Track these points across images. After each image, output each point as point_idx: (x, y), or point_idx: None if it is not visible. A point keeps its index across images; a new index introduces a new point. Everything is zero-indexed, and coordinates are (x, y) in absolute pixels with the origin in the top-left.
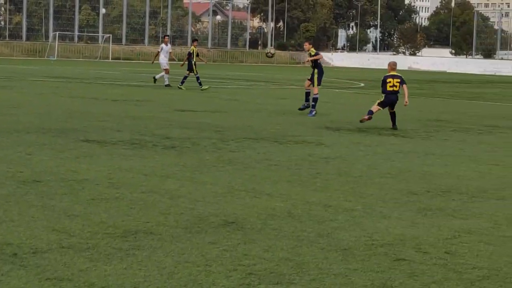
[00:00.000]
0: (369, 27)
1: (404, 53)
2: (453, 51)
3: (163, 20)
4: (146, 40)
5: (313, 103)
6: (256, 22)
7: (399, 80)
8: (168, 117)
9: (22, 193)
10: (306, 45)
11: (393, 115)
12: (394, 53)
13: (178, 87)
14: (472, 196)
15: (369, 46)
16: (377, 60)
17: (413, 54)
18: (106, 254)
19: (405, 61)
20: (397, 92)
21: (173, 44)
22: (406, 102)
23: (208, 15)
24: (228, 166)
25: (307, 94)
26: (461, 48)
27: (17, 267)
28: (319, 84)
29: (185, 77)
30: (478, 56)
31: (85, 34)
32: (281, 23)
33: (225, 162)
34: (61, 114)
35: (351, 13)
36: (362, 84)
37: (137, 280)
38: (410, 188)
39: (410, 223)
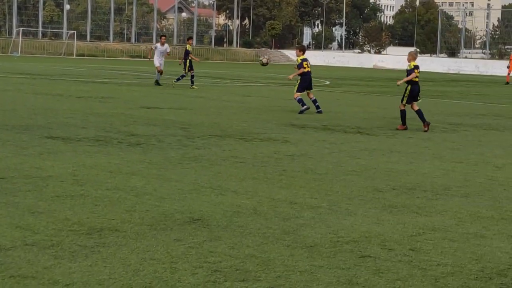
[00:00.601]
0: (335, 25)
1: (369, 51)
2: (418, 50)
3: (128, 17)
4: (111, 37)
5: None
6: (221, 19)
7: (419, 70)
8: (133, 114)
9: None
10: (297, 52)
11: (420, 114)
12: (359, 51)
13: (190, 87)
14: (436, 193)
15: (335, 44)
16: (342, 58)
17: (378, 52)
18: (70, 251)
19: (370, 60)
20: (418, 82)
21: (138, 41)
22: (399, 82)
23: (174, 12)
24: (193, 163)
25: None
26: (426, 47)
27: None
28: (298, 91)
29: (182, 76)
30: (442, 55)
31: (49, 30)
32: (246, 21)
33: (191, 159)
34: (25, 110)
35: (316, 11)
36: (328, 82)
37: (102, 277)
38: (375, 186)
39: (376, 220)
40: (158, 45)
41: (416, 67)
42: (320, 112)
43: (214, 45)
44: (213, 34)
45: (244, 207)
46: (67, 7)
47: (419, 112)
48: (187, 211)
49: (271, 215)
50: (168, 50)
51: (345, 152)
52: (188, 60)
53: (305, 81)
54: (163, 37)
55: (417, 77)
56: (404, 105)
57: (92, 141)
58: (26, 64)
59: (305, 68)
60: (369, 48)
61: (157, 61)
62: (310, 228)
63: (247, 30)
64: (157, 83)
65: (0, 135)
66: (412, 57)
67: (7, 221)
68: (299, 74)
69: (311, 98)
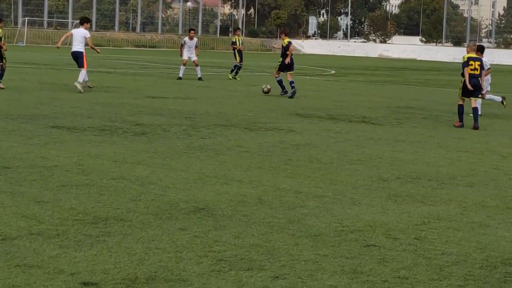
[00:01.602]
0: (340, 14)
1: (374, 40)
2: (423, 39)
3: (134, 7)
4: (116, 27)
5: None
6: (227, 8)
7: (480, 63)
8: (138, 104)
9: None
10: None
11: (475, 111)
12: (365, 40)
13: (233, 77)
14: (441, 182)
15: (340, 33)
16: (348, 48)
17: (384, 41)
18: (76, 240)
19: (375, 49)
20: (478, 75)
21: (143, 30)
22: (483, 94)
23: (179, 2)
24: (199, 153)
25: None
26: (431, 36)
27: None
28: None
29: (238, 68)
30: (448, 44)
31: (55, 20)
32: (252, 10)
33: (196, 148)
34: (30, 100)
35: (321, 0)
36: (333, 71)
37: (107, 266)
38: (380, 175)
39: (380, 209)
40: (187, 39)
41: (472, 58)
42: (284, 94)
43: (220, 34)
44: (218, 23)
45: (249, 197)
46: None
47: (474, 110)
48: (192, 201)
49: (276, 205)
50: (197, 45)
51: (350, 142)
52: (236, 51)
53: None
54: (191, 31)
55: (476, 69)
56: (463, 100)
57: (98, 131)
58: (31, 54)
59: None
60: (375, 38)
61: (186, 54)
62: (315, 217)
63: (252, 19)
64: (179, 78)
65: (5, 124)
66: (470, 48)
67: (12, 211)
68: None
69: (288, 80)
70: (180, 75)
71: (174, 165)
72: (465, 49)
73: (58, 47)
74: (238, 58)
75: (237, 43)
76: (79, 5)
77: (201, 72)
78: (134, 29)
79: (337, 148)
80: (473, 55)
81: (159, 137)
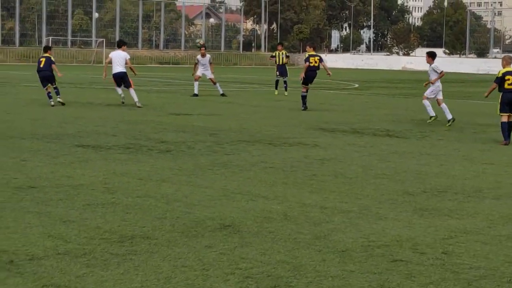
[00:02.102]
0: (362, 27)
1: (397, 53)
2: (447, 51)
3: (156, 24)
4: (140, 44)
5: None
6: (249, 24)
7: None
8: (162, 121)
9: (17, 200)
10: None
11: (510, 126)
12: (388, 53)
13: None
14: (467, 195)
15: (363, 46)
16: (371, 61)
17: (407, 54)
18: (102, 259)
19: (398, 62)
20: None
21: (166, 47)
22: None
23: (202, 18)
24: (223, 169)
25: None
26: (455, 47)
27: (14, 275)
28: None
29: (276, 81)
30: (471, 55)
31: (78, 38)
32: (274, 25)
33: (221, 165)
34: (55, 119)
35: (344, 14)
36: (356, 85)
37: (134, 285)
38: (406, 189)
39: (407, 224)
40: (199, 57)
41: (509, 73)
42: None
43: (242, 50)
44: (241, 39)
45: (274, 213)
46: (95, 15)
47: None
48: (217, 218)
49: (302, 220)
50: (211, 61)
51: (375, 155)
52: (284, 65)
53: (306, 75)
54: (202, 49)
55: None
56: (507, 116)
57: (122, 149)
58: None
59: (311, 62)
60: (398, 50)
61: (200, 71)
62: (341, 232)
63: (275, 34)
64: (195, 95)
65: (31, 144)
66: (506, 62)
67: (39, 230)
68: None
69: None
70: (196, 91)
71: (199, 182)
72: (489, 60)
73: (104, 78)
74: (277, 72)
75: (276, 58)
76: (103, 23)
77: (224, 88)
78: (157, 46)
79: (362, 162)
80: (510, 69)
81: (183, 154)
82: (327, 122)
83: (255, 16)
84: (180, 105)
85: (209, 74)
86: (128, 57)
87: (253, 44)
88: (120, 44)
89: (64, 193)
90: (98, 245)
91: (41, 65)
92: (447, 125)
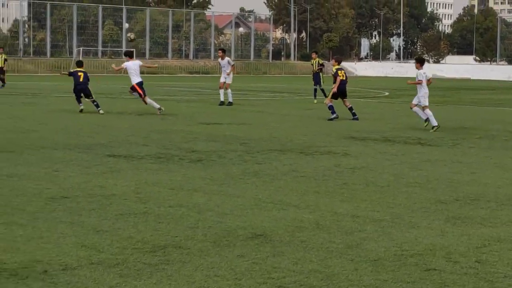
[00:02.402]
0: (392, 35)
1: (428, 61)
2: (477, 58)
3: (186, 34)
4: (170, 54)
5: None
6: (278, 33)
7: None
8: (193, 130)
9: (50, 210)
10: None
11: None
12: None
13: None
14: (501, 203)
15: (393, 54)
16: (401, 69)
17: (437, 62)
18: (135, 269)
19: (429, 69)
20: None
21: (196, 57)
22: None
23: (231, 27)
24: (254, 178)
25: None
26: (485, 54)
27: (47, 284)
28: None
29: (314, 90)
30: (502, 63)
31: (109, 49)
32: (303, 34)
33: (252, 174)
34: (86, 129)
35: (373, 22)
36: (387, 93)
37: None
38: (438, 197)
39: (440, 232)
40: (219, 60)
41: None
42: (356, 119)
43: (272, 59)
44: (271, 48)
45: (306, 222)
46: (126, 25)
47: None
48: (249, 227)
49: (334, 229)
50: (232, 63)
51: (406, 164)
52: (318, 74)
53: (339, 89)
54: (219, 51)
55: None
56: None
57: (154, 159)
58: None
59: (341, 76)
60: (428, 58)
61: (222, 77)
62: (373, 241)
63: (304, 43)
64: (221, 103)
65: (63, 155)
66: None
67: (72, 240)
68: (334, 82)
69: (347, 106)
70: (222, 99)
71: (231, 191)
72: None
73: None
74: (313, 81)
75: (313, 66)
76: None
77: (253, 98)
78: (187, 56)
79: (393, 170)
80: None
81: (214, 164)
82: (357, 130)
83: (284, 25)
84: (210, 114)
85: (227, 79)
86: (140, 63)
87: (282, 53)
88: (132, 55)
89: (97, 203)
90: (130, 255)
91: (81, 79)
92: (425, 125)
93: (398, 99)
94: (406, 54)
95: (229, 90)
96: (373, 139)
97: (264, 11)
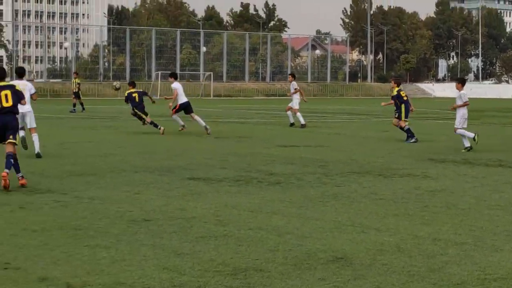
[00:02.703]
0: (470, 56)
1: (507, 81)
2: None
3: (263, 57)
4: (247, 77)
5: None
6: (355, 55)
7: None
8: (271, 153)
9: (132, 232)
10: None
11: None
12: (496, 81)
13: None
14: None
15: (471, 75)
16: (479, 90)
17: None
18: None
19: (508, 90)
20: None
21: (272, 80)
22: None
23: (307, 50)
24: (333, 201)
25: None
26: None
27: None
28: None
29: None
30: None
31: (187, 72)
32: (380, 55)
33: (331, 197)
34: (165, 152)
35: (451, 43)
36: None
37: None
38: None
39: None
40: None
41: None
42: (414, 141)
43: (349, 81)
44: (347, 70)
45: (387, 245)
46: (203, 49)
47: None
48: (329, 250)
49: (415, 253)
50: (295, 87)
51: (488, 186)
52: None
53: (407, 109)
54: (289, 76)
55: None
56: None
57: (233, 181)
58: (164, 106)
59: (404, 97)
60: (507, 78)
61: (294, 100)
62: (456, 265)
63: (381, 64)
64: (302, 126)
65: (144, 177)
66: None
67: (154, 263)
68: (401, 103)
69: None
70: (302, 122)
71: (310, 214)
72: None
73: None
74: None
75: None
76: (210, 57)
77: (330, 120)
78: (263, 79)
79: (474, 193)
80: None
81: (293, 186)
82: (436, 152)
83: (361, 47)
84: (287, 137)
85: (294, 103)
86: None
87: (359, 75)
88: (176, 76)
89: (177, 226)
90: (212, 277)
91: (136, 100)
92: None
93: (478, 121)
94: (485, 74)
95: (289, 112)
96: (452, 161)
97: (340, 33)
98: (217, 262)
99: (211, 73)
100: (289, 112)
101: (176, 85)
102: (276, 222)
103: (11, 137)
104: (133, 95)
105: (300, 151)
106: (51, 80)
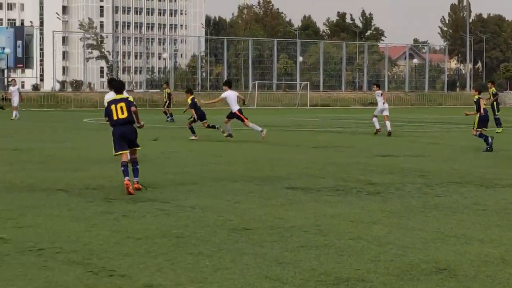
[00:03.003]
0: None
1: None
2: None
3: (360, 66)
4: (343, 86)
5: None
6: (453, 63)
7: None
8: (369, 163)
9: (233, 241)
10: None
11: None
12: None
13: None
14: None
15: None
16: None
17: None
18: None
19: None
20: None
21: (369, 89)
22: None
23: (405, 59)
24: (435, 212)
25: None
26: None
27: None
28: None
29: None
30: None
31: (283, 82)
32: (479, 64)
33: (432, 207)
34: (264, 161)
35: None
36: None
37: None
38: None
39: None
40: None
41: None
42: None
43: (447, 90)
44: (445, 78)
45: (491, 256)
46: (300, 59)
47: None
48: (432, 261)
49: None
50: (380, 95)
51: None
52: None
53: (484, 118)
54: (374, 86)
55: None
56: None
57: (332, 191)
58: (262, 116)
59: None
60: None
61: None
62: None
63: (480, 73)
64: (389, 134)
65: (244, 187)
66: None
67: (256, 272)
68: (477, 111)
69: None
70: (389, 128)
71: (411, 224)
72: None
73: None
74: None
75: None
76: (306, 66)
77: (430, 129)
78: (360, 88)
79: None
80: None
81: (393, 196)
82: None
83: (459, 55)
84: (385, 146)
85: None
86: (237, 93)
87: (457, 84)
88: (231, 84)
89: (278, 235)
90: (314, 287)
91: (198, 104)
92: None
93: None
94: None
95: (374, 118)
96: None
97: (438, 42)
98: (319, 271)
99: (308, 82)
100: (387, 122)
101: (227, 94)
102: (377, 232)
103: (132, 145)
104: (195, 100)
105: (399, 161)
106: (150, 90)
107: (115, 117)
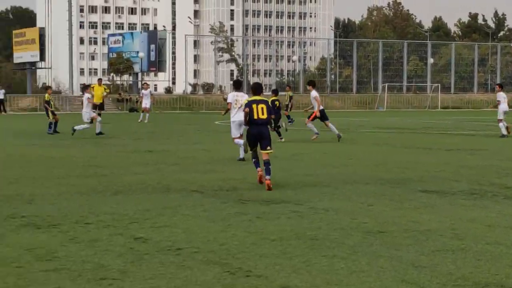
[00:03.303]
0: None
1: None
2: None
3: (492, 67)
4: (475, 88)
5: None
6: None
7: None
8: (504, 166)
9: (368, 244)
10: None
11: None
12: None
13: None
14: None
15: None
16: None
17: None
18: None
19: None
20: None
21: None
22: None
23: None
24: None
25: None
26: None
27: None
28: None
29: None
30: None
31: (413, 84)
32: None
33: None
34: (395, 164)
35: None
36: None
37: None
38: None
39: None
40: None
41: None
42: None
43: None
44: None
45: None
46: (430, 60)
47: None
48: None
49: None
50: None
51: None
52: None
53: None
54: (497, 86)
55: None
56: None
57: (467, 194)
58: (392, 118)
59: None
60: None
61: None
62: None
63: None
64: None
65: (376, 189)
66: None
67: (392, 275)
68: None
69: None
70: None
71: None
72: None
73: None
74: None
75: None
76: (437, 68)
77: None
78: (493, 90)
79: None
80: None
81: None
82: None
83: None
84: None
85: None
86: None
87: None
88: (315, 84)
89: (413, 238)
90: None
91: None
92: None
93: None
94: None
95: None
96: None
97: None
98: (456, 276)
99: (439, 84)
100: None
101: (316, 93)
102: None
103: (268, 147)
104: (275, 102)
105: None
106: (280, 93)
107: (255, 116)
